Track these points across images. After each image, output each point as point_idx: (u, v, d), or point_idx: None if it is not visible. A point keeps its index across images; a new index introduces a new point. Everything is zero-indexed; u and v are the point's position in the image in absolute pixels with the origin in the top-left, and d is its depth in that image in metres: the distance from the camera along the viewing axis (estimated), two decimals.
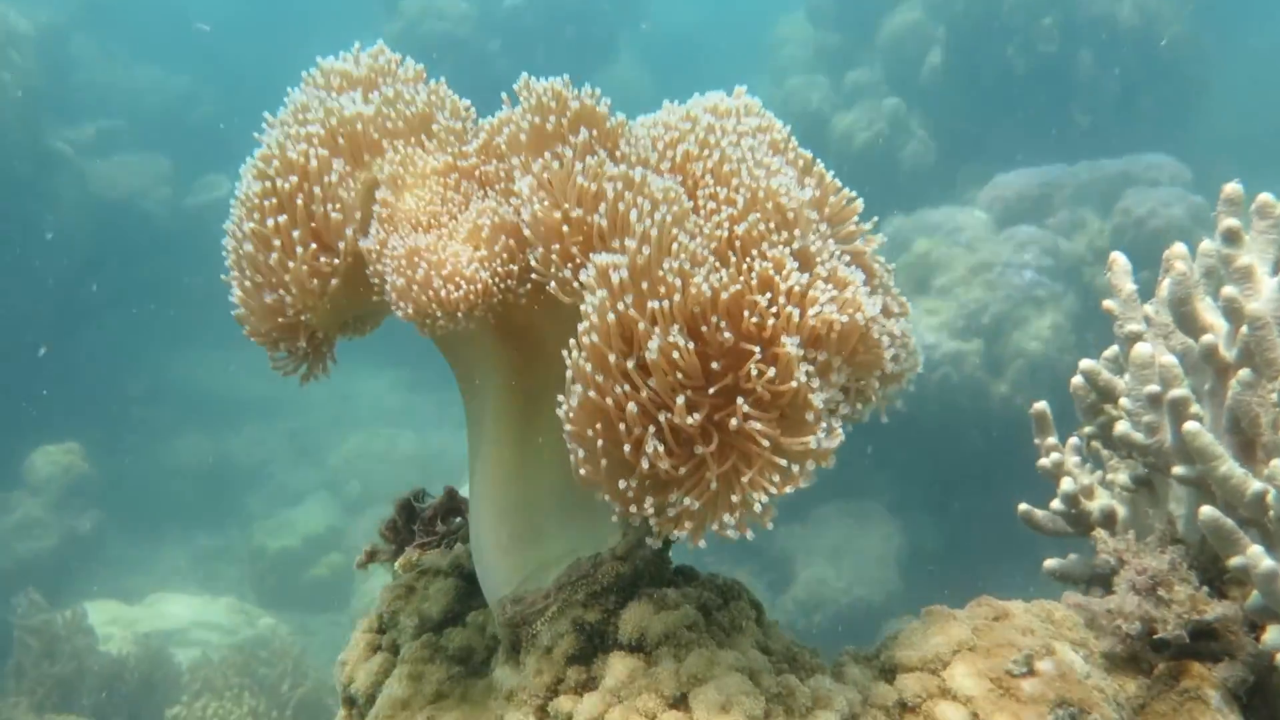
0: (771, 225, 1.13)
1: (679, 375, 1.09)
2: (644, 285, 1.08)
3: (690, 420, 1.09)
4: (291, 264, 1.18)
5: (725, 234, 1.12)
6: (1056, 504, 1.62)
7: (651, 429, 1.12)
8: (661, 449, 1.11)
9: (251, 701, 6.85)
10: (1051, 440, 1.67)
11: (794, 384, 1.10)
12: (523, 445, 1.34)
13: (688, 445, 1.13)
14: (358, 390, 14.51)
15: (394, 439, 13.89)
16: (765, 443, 1.10)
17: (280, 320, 1.23)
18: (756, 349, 1.11)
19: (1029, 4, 11.74)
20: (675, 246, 1.07)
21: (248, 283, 1.23)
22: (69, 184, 14.50)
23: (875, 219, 1.44)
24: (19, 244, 13.43)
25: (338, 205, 1.21)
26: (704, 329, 1.09)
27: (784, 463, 1.12)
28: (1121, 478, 1.60)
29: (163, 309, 14.80)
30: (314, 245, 1.19)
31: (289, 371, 1.36)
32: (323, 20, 20.31)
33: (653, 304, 1.07)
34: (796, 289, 1.11)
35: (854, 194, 1.39)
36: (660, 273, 1.09)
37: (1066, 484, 1.60)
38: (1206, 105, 12.49)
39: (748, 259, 1.11)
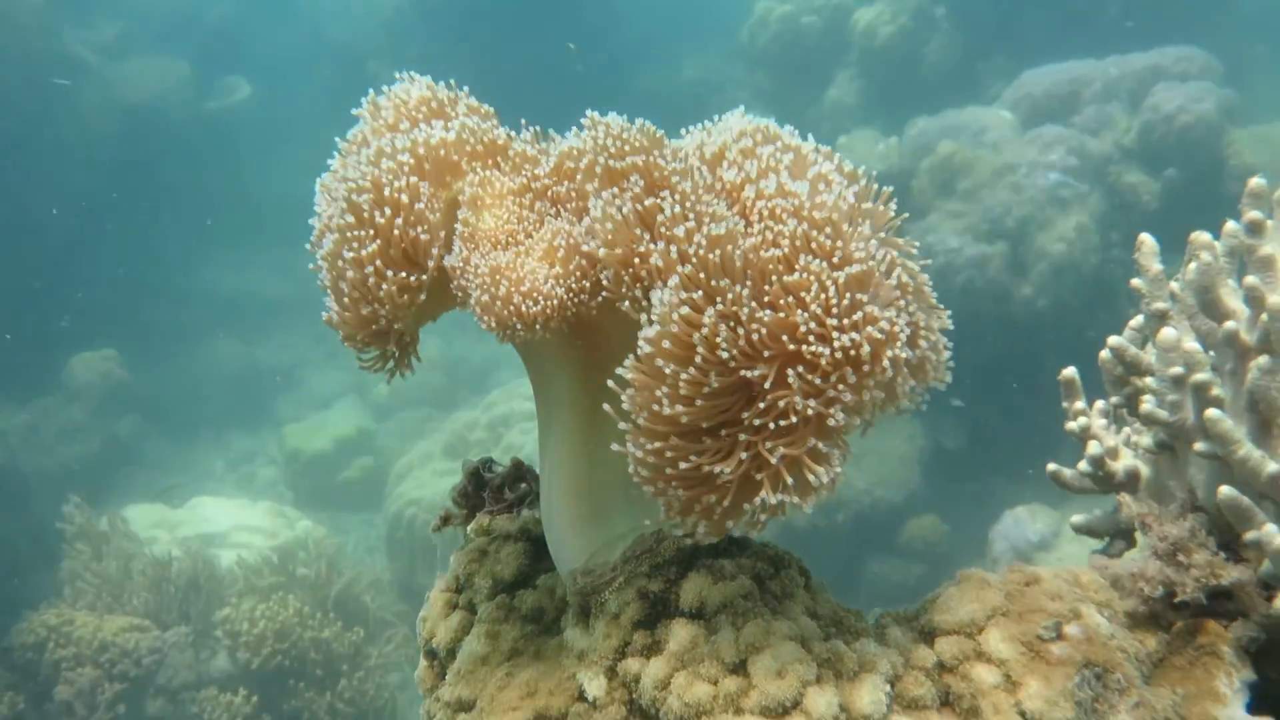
0: (819, 260, 1.22)
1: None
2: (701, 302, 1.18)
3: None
4: (384, 286, 1.28)
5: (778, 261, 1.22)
6: (1083, 465, 1.73)
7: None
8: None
9: (296, 604, 7.13)
10: (1079, 404, 1.76)
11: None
12: (590, 435, 1.46)
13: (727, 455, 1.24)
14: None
15: (419, 343, 14.07)
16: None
17: (373, 328, 1.33)
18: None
19: None
20: (732, 276, 1.17)
21: (345, 299, 1.33)
22: (93, 88, 14.45)
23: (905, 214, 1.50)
24: (45, 152, 13.48)
25: (425, 227, 1.30)
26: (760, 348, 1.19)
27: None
28: (1146, 440, 1.70)
29: (186, 213, 14.90)
30: (403, 270, 1.29)
31: (378, 370, 1.47)
32: None
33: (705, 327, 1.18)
34: (845, 322, 1.20)
35: (891, 193, 1.45)
36: (718, 285, 1.19)
37: (1093, 447, 1.70)
38: None
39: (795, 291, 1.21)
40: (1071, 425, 1.75)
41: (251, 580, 7.29)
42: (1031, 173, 8.71)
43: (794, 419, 1.19)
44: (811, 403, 1.20)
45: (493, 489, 1.73)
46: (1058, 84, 9.68)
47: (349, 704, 6.93)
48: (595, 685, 1.43)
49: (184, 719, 6.75)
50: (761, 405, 1.22)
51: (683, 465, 1.22)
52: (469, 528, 1.74)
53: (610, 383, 1.26)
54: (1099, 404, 1.77)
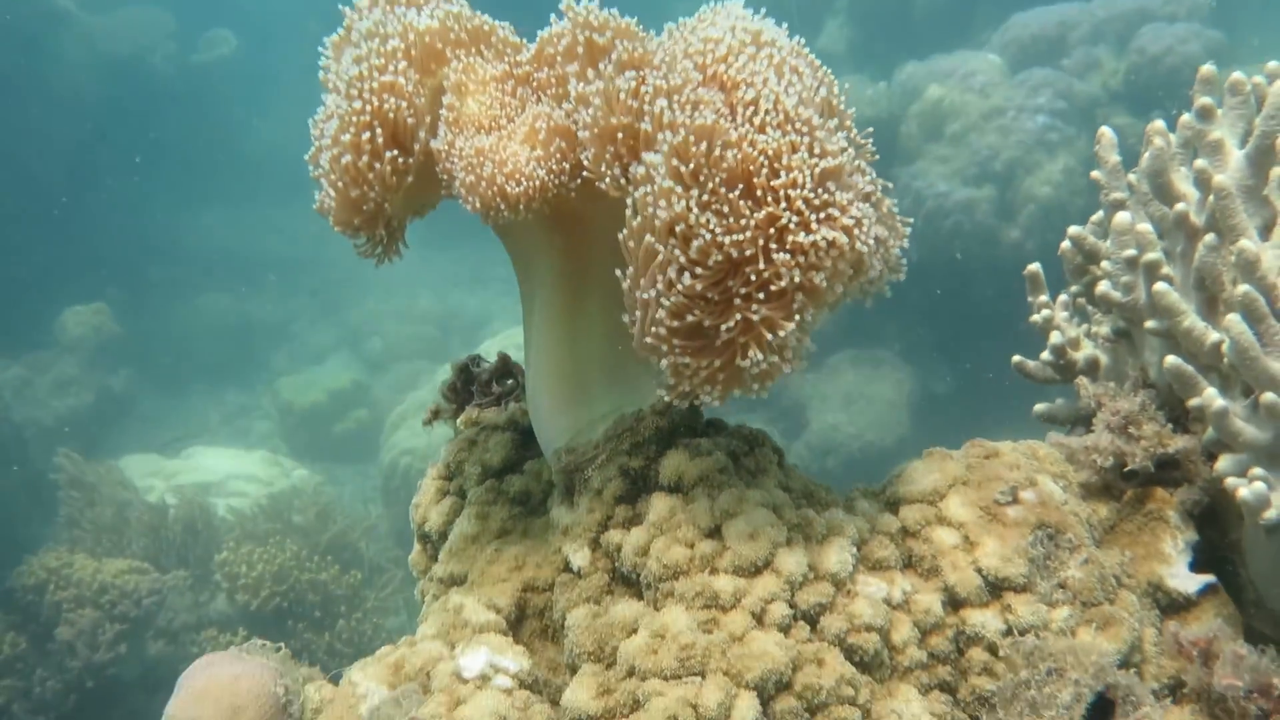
0: (800, 143, 1.29)
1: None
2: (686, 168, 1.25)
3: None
4: (378, 164, 1.34)
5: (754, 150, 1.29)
6: (1046, 355, 1.81)
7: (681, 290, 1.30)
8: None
9: (293, 547, 7.23)
10: (1043, 298, 1.84)
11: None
12: (573, 318, 1.53)
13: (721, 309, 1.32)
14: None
15: (412, 296, 14.13)
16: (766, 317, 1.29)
17: (364, 209, 1.40)
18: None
19: None
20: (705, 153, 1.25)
21: (338, 181, 1.40)
22: (75, 41, 14.35)
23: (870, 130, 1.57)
24: (30, 104, 13.42)
25: (413, 111, 1.37)
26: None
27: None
28: (1104, 330, 1.78)
29: (174, 168, 14.86)
30: (395, 149, 1.36)
31: (368, 254, 1.54)
32: None
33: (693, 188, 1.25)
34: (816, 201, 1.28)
35: (849, 108, 1.52)
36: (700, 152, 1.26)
37: (1055, 337, 1.78)
38: None
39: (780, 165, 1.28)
40: (1035, 317, 1.83)
41: (247, 526, 7.40)
42: (1019, 116, 8.75)
43: (782, 284, 1.27)
44: (796, 272, 1.27)
45: (480, 383, 1.81)
46: (1046, 27, 9.68)
47: (347, 644, 7.06)
48: (580, 556, 1.52)
49: (185, 659, 6.89)
50: (751, 276, 1.29)
51: (689, 319, 1.29)
52: (458, 420, 1.82)
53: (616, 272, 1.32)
54: (1061, 297, 1.85)
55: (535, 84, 1.42)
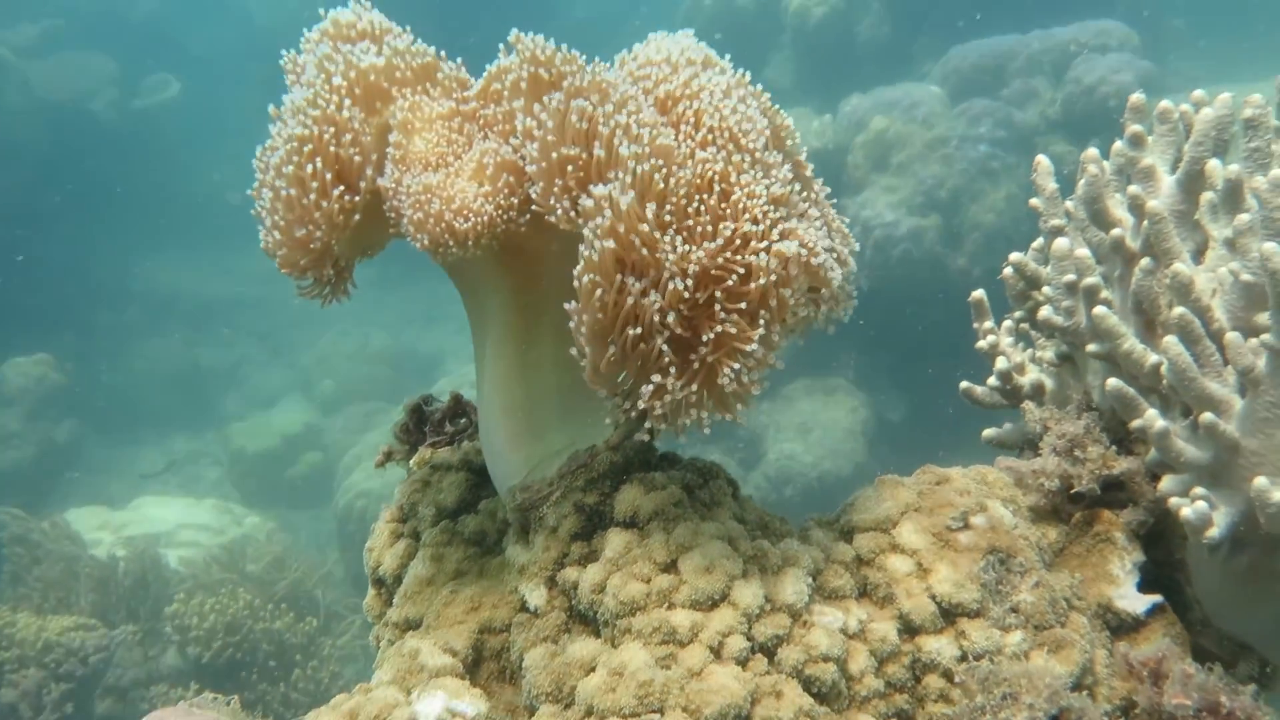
0: (746, 162, 1.31)
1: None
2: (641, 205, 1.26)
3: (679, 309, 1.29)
4: (325, 202, 1.34)
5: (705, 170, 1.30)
6: (992, 380, 1.84)
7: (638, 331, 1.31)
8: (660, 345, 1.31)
9: (246, 596, 7.11)
10: (988, 324, 1.87)
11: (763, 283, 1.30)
12: (525, 353, 1.53)
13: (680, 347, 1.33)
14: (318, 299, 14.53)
15: (365, 337, 14.03)
16: (734, 331, 1.30)
17: (310, 248, 1.40)
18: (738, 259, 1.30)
19: None
20: (662, 174, 1.26)
21: (280, 220, 1.39)
22: (13, 89, 14.19)
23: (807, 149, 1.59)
24: None
25: (358, 149, 1.37)
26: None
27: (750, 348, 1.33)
28: (1048, 354, 1.81)
29: (119, 213, 14.69)
30: (341, 186, 1.35)
31: (314, 296, 1.53)
32: None
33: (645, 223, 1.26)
34: (768, 220, 1.29)
35: (791, 123, 1.55)
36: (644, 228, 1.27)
37: (1001, 362, 1.81)
38: None
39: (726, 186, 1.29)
40: (981, 344, 1.86)
41: (200, 577, 7.26)
42: (962, 145, 8.91)
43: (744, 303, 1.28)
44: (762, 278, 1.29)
45: (433, 423, 1.80)
46: (984, 58, 9.89)
47: (303, 693, 6.93)
48: (536, 595, 1.51)
49: (134, 717, 6.72)
50: (717, 294, 1.31)
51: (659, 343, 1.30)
52: (411, 461, 1.81)
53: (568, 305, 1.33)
54: (1005, 323, 1.88)
55: (482, 121, 1.43)
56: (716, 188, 1.30)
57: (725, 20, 13.02)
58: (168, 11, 18.27)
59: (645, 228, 1.25)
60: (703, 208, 1.29)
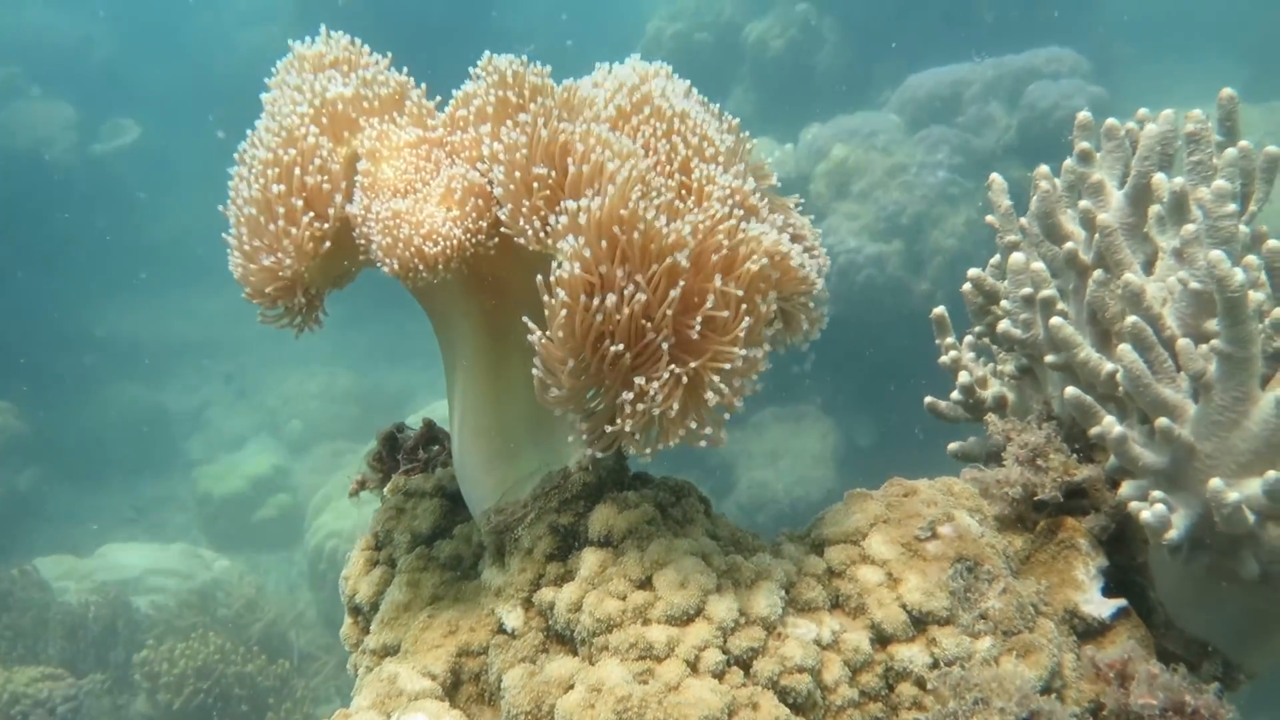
0: (709, 152, 1.35)
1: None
2: (614, 227, 1.29)
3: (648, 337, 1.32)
4: (293, 229, 1.36)
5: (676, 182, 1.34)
6: (955, 395, 1.87)
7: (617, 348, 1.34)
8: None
9: (217, 640, 7.02)
10: (950, 340, 1.91)
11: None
12: (496, 377, 1.56)
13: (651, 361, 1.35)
14: (290, 329, 14.50)
15: (331, 376, 13.94)
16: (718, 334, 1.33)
17: (279, 276, 1.41)
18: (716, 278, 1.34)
19: None
20: (639, 190, 1.29)
21: (247, 247, 1.41)
22: None
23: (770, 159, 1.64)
24: None
25: (327, 177, 1.39)
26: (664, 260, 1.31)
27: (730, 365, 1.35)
28: (1009, 368, 1.85)
29: (78, 258, 14.59)
30: (311, 213, 1.38)
31: (284, 325, 1.55)
32: None
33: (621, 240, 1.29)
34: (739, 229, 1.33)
35: (751, 137, 1.59)
36: (624, 212, 1.30)
37: (963, 377, 1.85)
38: None
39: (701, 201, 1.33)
40: (944, 359, 1.90)
41: (171, 622, 7.18)
42: (921, 172, 9.04)
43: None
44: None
45: (406, 450, 1.81)
46: (940, 86, 10.05)
47: None
48: (513, 617, 1.52)
49: None
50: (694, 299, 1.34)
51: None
52: (385, 489, 1.82)
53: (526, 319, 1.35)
54: (967, 338, 1.92)
55: (449, 147, 1.46)
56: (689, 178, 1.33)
57: (685, 54, 13.16)
58: (125, 57, 18.23)
59: (618, 230, 1.28)
60: (676, 200, 1.33)
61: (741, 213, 1.37)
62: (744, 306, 1.33)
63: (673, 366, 1.33)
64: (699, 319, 1.31)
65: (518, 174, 1.36)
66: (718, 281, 1.33)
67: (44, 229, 14.50)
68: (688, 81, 1.56)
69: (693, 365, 1.33)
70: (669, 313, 1.31)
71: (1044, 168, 1.64)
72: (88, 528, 11.46)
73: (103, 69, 17.76)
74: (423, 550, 1.69)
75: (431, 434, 1.83)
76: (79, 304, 14.85)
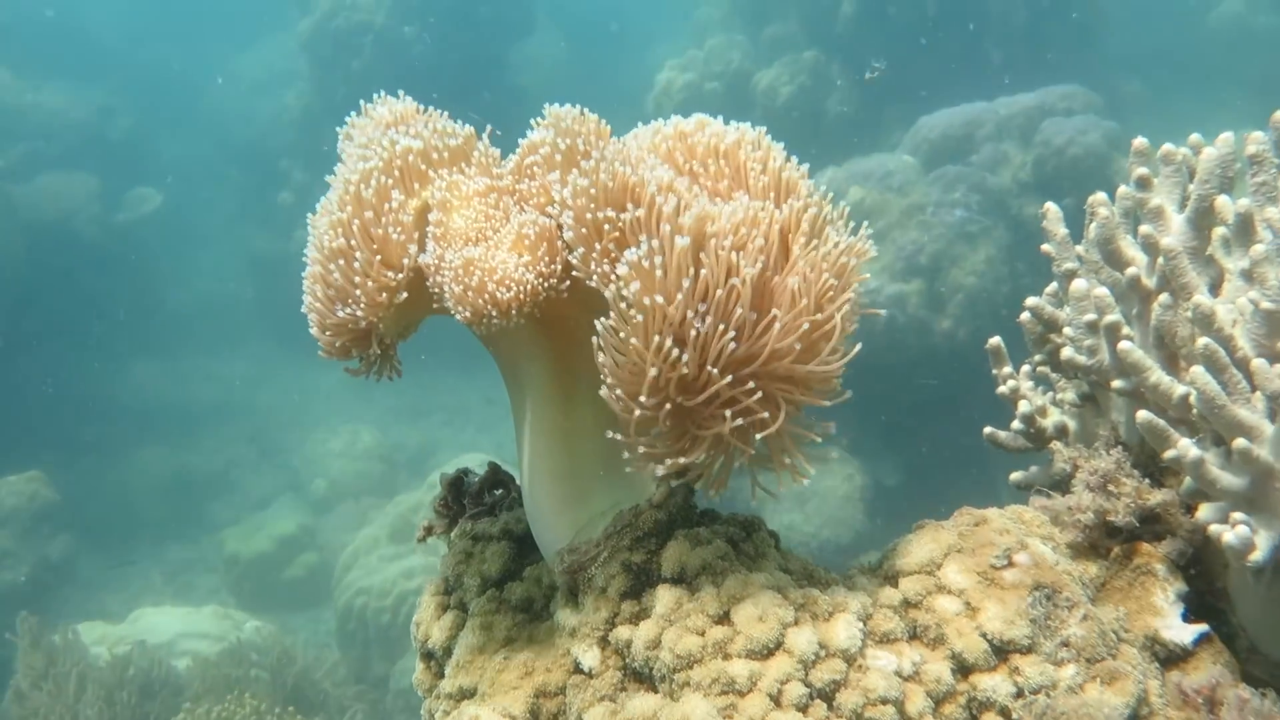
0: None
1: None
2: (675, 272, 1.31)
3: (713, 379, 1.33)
4: (369, 281, 1.38)
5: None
6: (1016, 424, 1.87)
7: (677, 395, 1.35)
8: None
9: (253, 702, 6.99)
10: (1007, 369, 1.91)
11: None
12: (566, 418, 1.57)
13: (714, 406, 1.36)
14: (311, 388, 14.60)
15: (354, 434, 13.97)
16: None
17: (353, 330, 1.43)
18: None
19: None
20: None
21: (321, 301, 1.43)
22: None
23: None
24: None
25: (400, 229, 1.42)
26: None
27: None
28: (1069, 396, 1.85)
29: (104, 326, 14.74)
30: (379, 261, 1.40)
31: (361, 374, 1.56)
32: (233, 21, 20.11)
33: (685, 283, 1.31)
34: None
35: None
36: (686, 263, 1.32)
37: (1023, 406, 1.85)
38: (1111, 26, 12.89)
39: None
40: (1002, 389, 1.90)
41: (206, 682, 7.15)
42: (938, 211, 9.07)
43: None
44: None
45: (472, 495, 1.82)
46: (953, 126, 10.11)
47: None
48: (590, 656, 1.52)
49: None
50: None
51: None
52: (452, 534, 1.82)
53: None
54: (1024, 367, 1.92)
55: (518, 195, 1.48)
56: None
57: (695, 105, 13.21)
58: (145, 128, 18.52)
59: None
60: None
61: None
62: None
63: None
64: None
65: (588, 216, 1.38)
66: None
67: (70, 298, 14.67)
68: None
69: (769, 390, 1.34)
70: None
71: (1101, 195, 1.65)
72: (118, 593, 11.47)
73: (124, 140, 18.04)
74: (494, 593, 1.69)
75: (497, 477, 1.84)
76: (104, 371, 14.98)
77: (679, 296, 1.31)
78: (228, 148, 18.05)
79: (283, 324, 14.78)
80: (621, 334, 1.35)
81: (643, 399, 1.35)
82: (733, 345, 1.33)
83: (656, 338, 1.34)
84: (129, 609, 10.44)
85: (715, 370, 1.33)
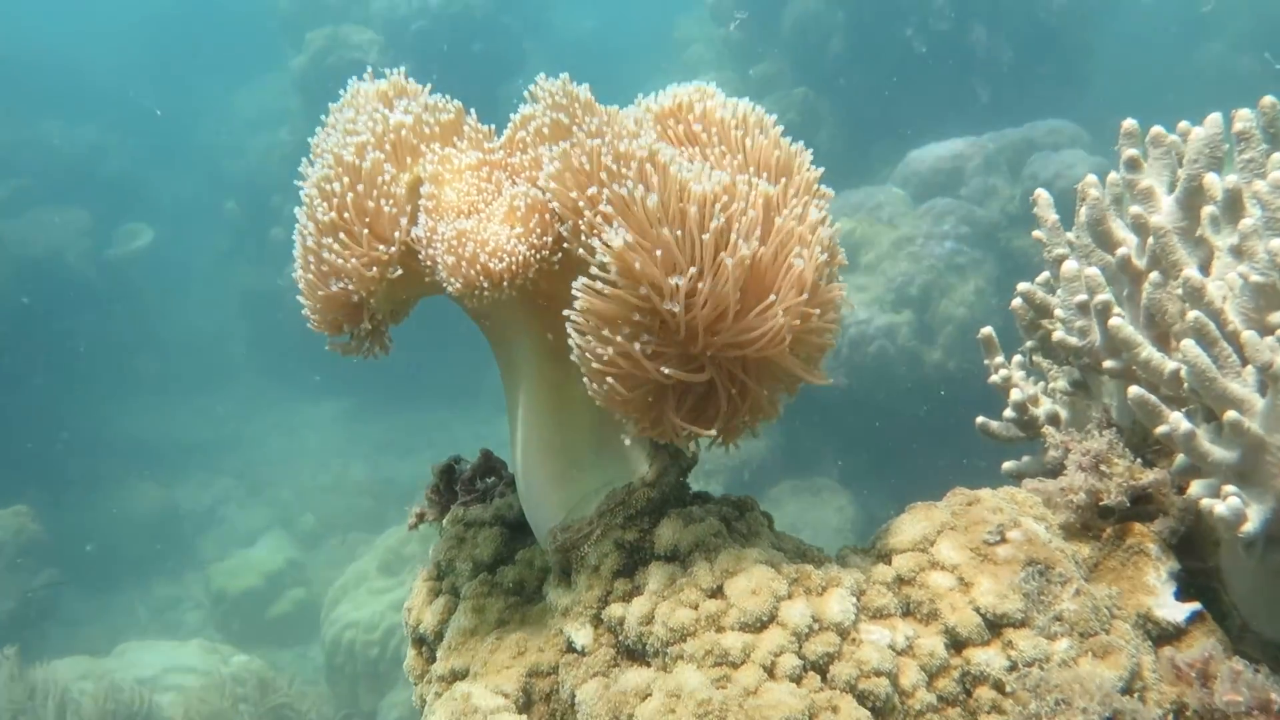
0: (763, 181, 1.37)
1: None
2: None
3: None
4: (359, 253, 1.39)
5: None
6: (1008, 413, 1.87)
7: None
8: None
9: None
10: (999, 359, 1.92)
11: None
12: (557, 395, 1.57)
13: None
14: (300, 423, 14.54)
15: (343, 469, 13.91)
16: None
17: (344, 304, 1.43)
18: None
19: None
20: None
21: (311, 276, 1.43)
22: None
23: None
24: None
25: (391, 201, 1.42)
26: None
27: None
28: (1061, 384, 1.86)
29: (91, 361, 14.70)
30: (368, 233, 1.40)
31: (350, 352, 1.56)
32: (227, 59, 20.23)
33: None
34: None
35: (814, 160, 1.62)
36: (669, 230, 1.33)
37: (1015, 394, 1.85)
38: (1095, 65, 13.05)
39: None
40: (994, 378, 1.90)
41: (191, 717, 7.06)
42: (927, 243, 9.13)
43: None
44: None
45: (464, 481, 1.81)
46: (942, 160, 10.21)
47: None
48: (582, 635, 1.51)
49: None
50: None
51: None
52: (444, 520, 1.81)
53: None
54: (1016, 357, 1.93)
55: (510, 169, 1.49)
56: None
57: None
58: (137, 164, 18.59)
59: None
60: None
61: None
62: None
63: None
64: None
65: (576, 189, 1.38)
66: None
67: (60, 334, 14.64)
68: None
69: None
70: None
71: (1092, 177, 1.67)
72: (103, 628, 11.35)
73: (116, 176, 18.09)
74: (486, 576, 1.68)
75: (488, 465, 1.83)
76: (93, 406, 14.91)
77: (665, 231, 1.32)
78: (220, 184, 18.09)
79: (273, 359, 14.78)
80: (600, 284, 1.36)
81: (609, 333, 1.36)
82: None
83: (637, 261, 1.34)
84: (114, 644, 10.32)
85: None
